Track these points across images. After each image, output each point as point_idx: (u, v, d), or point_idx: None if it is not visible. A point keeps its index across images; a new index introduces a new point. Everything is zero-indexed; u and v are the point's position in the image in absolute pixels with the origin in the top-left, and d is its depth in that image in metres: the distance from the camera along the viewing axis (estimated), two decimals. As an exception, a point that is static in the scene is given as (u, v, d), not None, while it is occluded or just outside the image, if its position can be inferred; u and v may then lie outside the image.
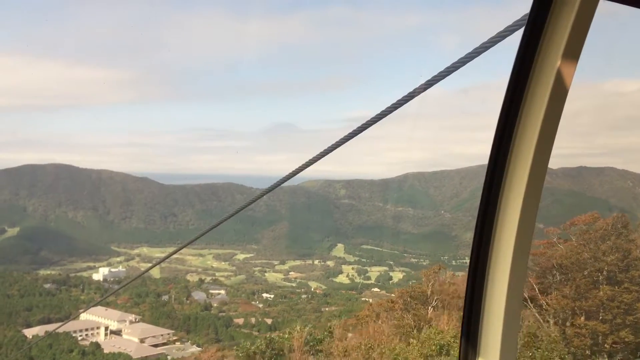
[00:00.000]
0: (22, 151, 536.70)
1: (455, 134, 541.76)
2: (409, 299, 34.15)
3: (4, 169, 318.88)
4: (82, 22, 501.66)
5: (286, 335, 30.96)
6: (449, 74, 3.45)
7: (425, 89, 3.59)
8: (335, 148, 4.57)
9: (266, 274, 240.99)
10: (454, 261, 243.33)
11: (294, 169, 5.02)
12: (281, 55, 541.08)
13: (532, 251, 36.30)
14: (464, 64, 3.30)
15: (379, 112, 4.05)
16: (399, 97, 3.81)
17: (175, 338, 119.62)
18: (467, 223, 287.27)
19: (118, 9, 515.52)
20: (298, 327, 32.36)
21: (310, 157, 4.73)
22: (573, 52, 2.41)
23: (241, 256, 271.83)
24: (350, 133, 4.26)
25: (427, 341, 25.83)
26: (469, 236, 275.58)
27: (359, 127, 4.09)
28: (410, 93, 3.68)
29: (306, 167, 4.94)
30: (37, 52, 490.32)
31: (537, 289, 31.22)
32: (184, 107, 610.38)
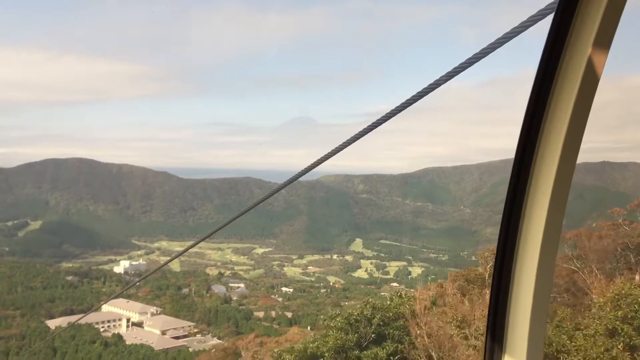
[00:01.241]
0: (45, 146, 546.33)
1: (475, 128, 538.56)
2: (464, 283, 30.40)
3: (27, 163, 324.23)
4: (105, 18, 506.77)
5: (388, 302, 26.87)
6: (470, 66, 3.33)
7: (446, 81, 3.47)
8: (353, 141, 4.47)
9: (285, 268, 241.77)
10: (473, 257, 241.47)
11: (313, 162, 4.94)
12: (300, 49, 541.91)
13: (595, 233, 34.91)
14: (486, 55, 3.22)
15: (398, 104, 3.96)
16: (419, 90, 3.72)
17: (196, 330, 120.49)
18: (487, 218, 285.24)
19: (140, 5, 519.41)
20: (416, 290, 27.48)
21: (328, 151, 4.65)
22: (604, 42, 2.32)
23: (260, 250, 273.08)
24: (368, 126, 4.16)
25: (619, 300, 18.28)
26: (489, 231, 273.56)
27: (377, 120, 4.00)
28: (430, 85, 3.57)
29: (324, 161, 4.85)
30: (60, 47, 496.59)
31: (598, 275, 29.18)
32: (203, 102, 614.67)
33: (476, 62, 3.33)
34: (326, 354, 24.75)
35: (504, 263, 2.80)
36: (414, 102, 3.80)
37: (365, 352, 24.53)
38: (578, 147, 2.53)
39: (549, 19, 2.47)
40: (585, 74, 2.37)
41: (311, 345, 26.04)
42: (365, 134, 4.15)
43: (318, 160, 4.69)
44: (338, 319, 26.42)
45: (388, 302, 26.68)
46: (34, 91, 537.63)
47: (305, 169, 4.93)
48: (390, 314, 25.58)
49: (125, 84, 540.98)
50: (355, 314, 25.95)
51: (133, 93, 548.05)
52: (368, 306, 26.17)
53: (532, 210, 2.66)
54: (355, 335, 25.16)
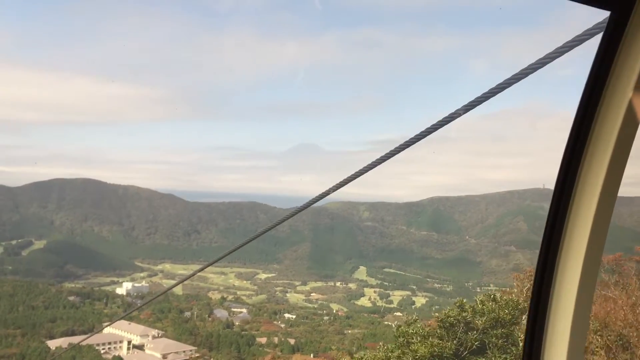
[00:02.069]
0: (52, 165, 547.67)
1: (482, 159, 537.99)
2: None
3: (33, 183, 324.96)
4: (115, 41, 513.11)
5: (480, 306, 22.73)
6: (486, 99, 3.40)
7: (465, 112, 3.53)
8: (367, 171, 4.55)
9: (287, 294, 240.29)
10: (478, 288, 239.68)
11: (323, 191, 4.99)
12: (308, 76, 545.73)
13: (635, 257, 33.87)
14: (502, 90, 3.23)
15: (413, 134, 4.01)
16: (435, 120, 3.77)
17: (197, 355, 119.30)
18: (492, 249, 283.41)
19: (150, 29, 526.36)
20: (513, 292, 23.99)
21: (341, 179, 4.71)
22: None
23: (263, 275, 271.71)
24: (383, 156, 4.23)
25: None
26: (494, 263, 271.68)
27: (394, 150, 4.07)
28: (445, 118, 3.65)
29: (337, 189, 4.93)
30: (71, 68, 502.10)
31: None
32: (210, 126, 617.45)
33: (491, 96, 3.41)
34: None
35: (540, 300, 2.76)
36: (430, 133, 3.87)
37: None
38: (619, 181, 2.50)
39: (566, 56, 2.50)
40: (627, 112, 2.34)
41: (392, 354, 22.85)
42: (381, 163, 4.22)
43: (332, 187, 4.76)
44: (418, 325, 23.48)
45: (480, 306, 23.14)
46: (43, 111, 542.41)
47: (319, 195, 5.00)
48: (486, 319, 22.21)
49: (135, 106, 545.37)
50: (453, 315, 22.34)
51: (142, 116, 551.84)
52: (467, 307, 22.46)
53: (571, 245, 2.62)
54: (454, 342, 21.49)
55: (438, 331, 22.28)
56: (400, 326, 24.47)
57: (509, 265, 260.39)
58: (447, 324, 22.11)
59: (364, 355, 26.28)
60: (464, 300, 23.55)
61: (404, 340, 22.83)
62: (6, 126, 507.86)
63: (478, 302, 23.48)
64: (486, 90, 3.35)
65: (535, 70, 2.99)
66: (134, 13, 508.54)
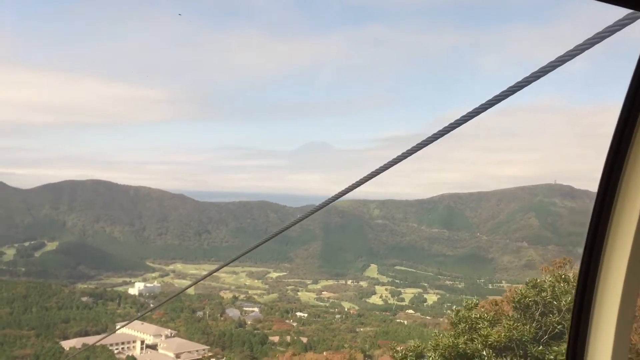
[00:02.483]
0: (63, 167, 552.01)
1: (492, 155, 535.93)
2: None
3: (45, 185, 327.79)
4: (125, 42, 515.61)
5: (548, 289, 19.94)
6: (505, 97, 3.39)
7: (484, 110, 3.50)
8: (384, 170, 4.52)
9: (299, 293, 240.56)
10: (490, 285, 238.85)
11: (339, 191, 4.97)
12: (317, 75, 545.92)
13: None
14: (522, 87, 3.21)
15: (425, 132, 4.01)
16: (448, 117, 3.77)
17: (210, 354, 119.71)
18: (504, 246, 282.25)
19: (159, 30, 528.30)
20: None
21: (352, 176, 4.70)
22: None
23: (274, 274, 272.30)
24: (400, 155, 4.21)
25: None
26: (506, 259, 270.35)
27: (412, 148, 4.06)
28: (463, 116, 3.63)
29: (353, 189, 4.92)
30: (81, 70, 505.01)
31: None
32: (220, 126, 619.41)
33: (511, 94, 3.40)
34: (484, 352, 19.22)
35: (587, 288, 2.73)
36: (448, 131, 3.86)
37: (554, 348, 18.75)
38: None
39: (587, 52, 2.49)
40: None
41: (458, 340, 20.41)
42: (399, 162, 4.22)
43: (349, 186, 4.74)
44: (482, 310, 21.37)
45: (547, 289, 20.61)
46: (53, 113, 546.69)
47: (334, 196, 4.98)
48: (569, 300, 19.62)
49: (144, 107, 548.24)
50: (531, 296, 19.92)
51: (151, 117, 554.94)
52: (547, 286, 19.84)
53: (616, 241, 2.58)
54: (533, 325, 19.40)
55: (511, 314, 20.47)
56: (459, 311, 22.29)
57: (521, 261, 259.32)
58: (523, 306, 19.89)
59: (419, 344, 23.51)
60: (538, 280, 21.18)
61: (465, 326, 20.64)
62: (15, 128, 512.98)
63: (547, 282, 20.86)
64: (505, 87, 3.33)
65: (555, 68, 2.93)
66: (142, 15, 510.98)
